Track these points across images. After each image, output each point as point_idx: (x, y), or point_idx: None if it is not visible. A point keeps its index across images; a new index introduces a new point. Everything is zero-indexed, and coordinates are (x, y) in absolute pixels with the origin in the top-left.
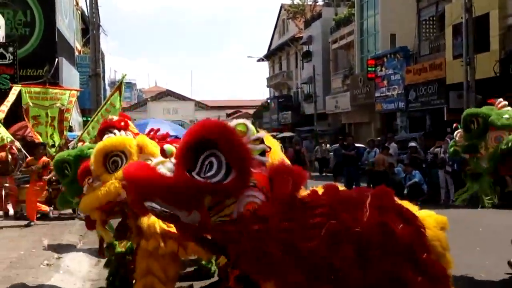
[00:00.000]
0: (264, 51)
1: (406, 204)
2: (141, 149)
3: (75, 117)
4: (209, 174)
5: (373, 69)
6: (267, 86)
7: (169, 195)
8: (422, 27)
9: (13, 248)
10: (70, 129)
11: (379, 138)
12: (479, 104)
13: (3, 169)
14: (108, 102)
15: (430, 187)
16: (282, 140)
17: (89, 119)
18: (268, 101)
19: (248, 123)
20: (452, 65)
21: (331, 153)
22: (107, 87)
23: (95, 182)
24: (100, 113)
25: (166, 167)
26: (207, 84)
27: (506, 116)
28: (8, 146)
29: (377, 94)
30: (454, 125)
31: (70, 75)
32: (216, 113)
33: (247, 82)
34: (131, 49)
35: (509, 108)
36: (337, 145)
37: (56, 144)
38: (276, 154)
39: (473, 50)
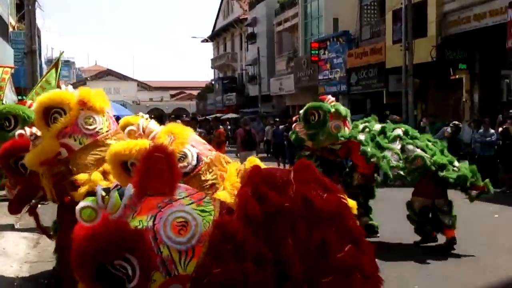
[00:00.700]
0: (208, 32)
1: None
2: (83, 104)
3: (9, 96)
4: (129, 272)
5: (317, 52)
6: (212, 68)
7: None
8: (364, 12)
9: None
10: None
11: None
12: (417, 87)
13: None
14: (44, 79)
15: None
16: (229, 122)
17: (24, 97)
18: (213, 82)
19: (92, 204)
20: (392, 50)
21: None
22: (44, 65)
23: (38, 140)
24: (35, 90)
25: None
26: (150, 64)
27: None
28: None
29: (320, 77)
30: (295, 118)
31: (4, 52)
32: (159, 94)
33: (192, 63)
34: (70, 26)
35: (336, 103)
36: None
37: None
38: (183, 139)
39: (412, 35)
